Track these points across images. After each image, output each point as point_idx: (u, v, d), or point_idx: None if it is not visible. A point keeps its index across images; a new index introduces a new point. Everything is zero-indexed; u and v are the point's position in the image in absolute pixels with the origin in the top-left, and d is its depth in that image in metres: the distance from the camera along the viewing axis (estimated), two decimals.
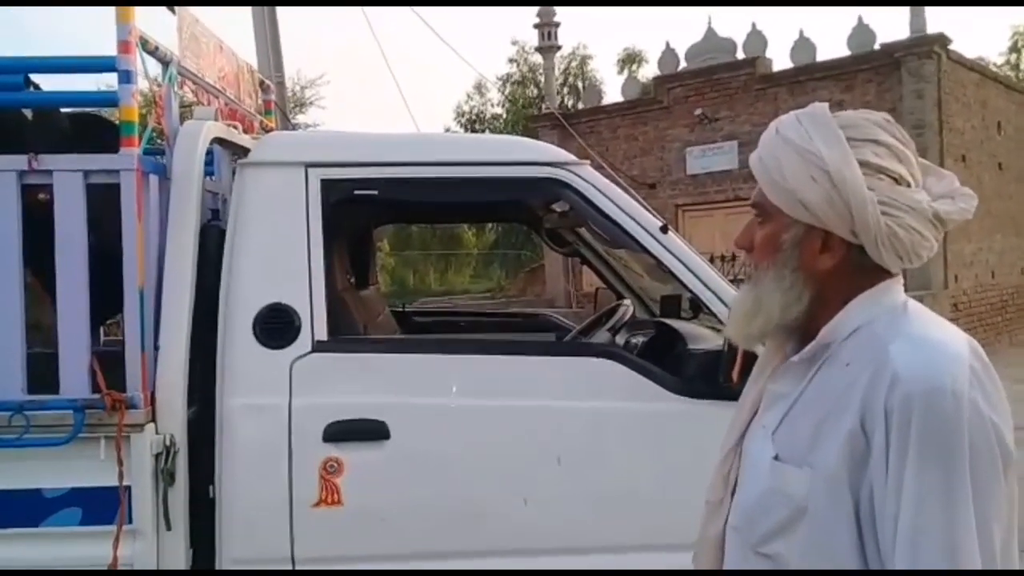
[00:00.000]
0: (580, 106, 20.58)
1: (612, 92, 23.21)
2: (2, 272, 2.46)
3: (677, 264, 2.70)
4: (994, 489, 1.10)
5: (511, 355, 2.73)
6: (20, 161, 2.45)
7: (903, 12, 13.61)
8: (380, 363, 2.66)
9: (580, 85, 29.81)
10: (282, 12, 8.22)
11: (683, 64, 15.89)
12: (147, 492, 2.44)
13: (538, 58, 22.95)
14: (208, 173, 3.03)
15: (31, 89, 2.96)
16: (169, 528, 2.46)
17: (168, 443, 2.46)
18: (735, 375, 2.33)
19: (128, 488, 2.42)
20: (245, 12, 8.15)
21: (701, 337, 2.72)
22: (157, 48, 2.75)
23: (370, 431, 2.52)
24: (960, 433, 1.09)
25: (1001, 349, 13.77)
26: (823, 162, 1.19)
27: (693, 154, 15.50)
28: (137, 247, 2.47)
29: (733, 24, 44.91)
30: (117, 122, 2.59)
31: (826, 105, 1.25)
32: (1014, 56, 31.75)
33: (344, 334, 2.78)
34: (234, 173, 2.77)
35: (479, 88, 31.60)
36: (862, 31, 14.08)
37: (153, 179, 2.57)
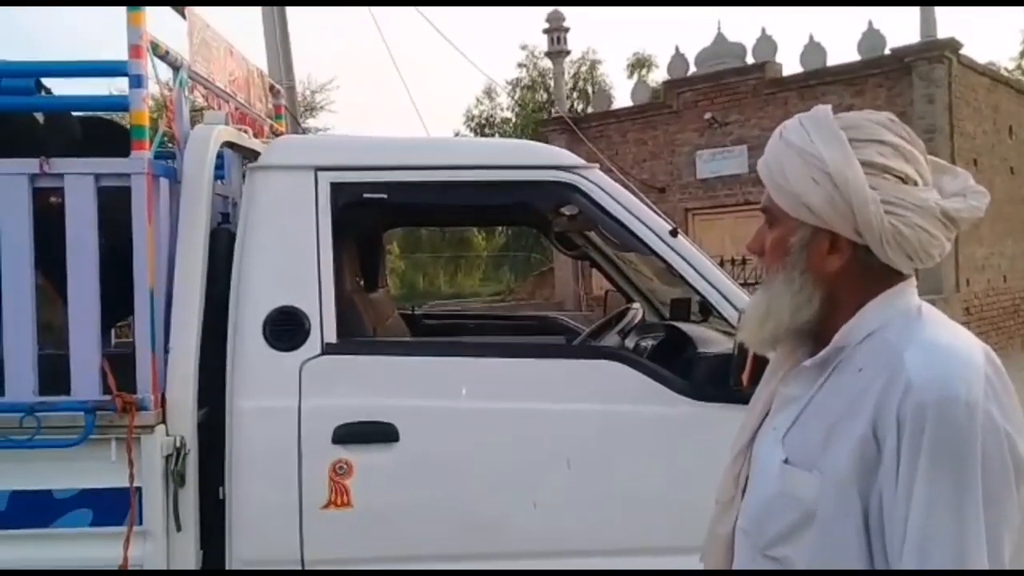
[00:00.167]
0: (590, 110, 20.58)
1: (622, 96, 23.20)
2: (14, 274, 2.48)
3: (687, 268, 2.70)
4: (1006, 500, 1.09)
5: (520, 358, 2.73)
6: (32, 164, 2.47)
7: (914, 17, 13.59)
8: (389, 366, 2.67)
9: (590, 89, 29.82)
10: (292, 16, 8.25)
11: (692, 69, 15.87)
12: (157, 493, 2.45)
13: (548, 63, 22.97)
14: (218, 177, 3.05)
15: (42, 93, 2.98)
16: (179, 529, 2.47)
17: (178, 445, 2.47)
18: (745, 379, 2.32)
19: (139, 489, 2.43)
20: (256, 17, 8.18)
21: (711, 341, 2.71)
22: (168, 52, 2.76)
23: (379, 433, 2.53)
24: (973, 443, 1.08)
25: (1013, 353, 13.68)
26: (824, 164, 1.19)
27: (703, 158, 15.48)
28: (148, 250, 2.49)
29: (743, 29, 44.84)
30: (128, 126, 2.61)
31: (829, 107, 1.24)
32: None
33: (354, 337, 2.78)
34: (244, 177, 2.78)
35: (489, 92, 31.65)
36: (872, 36, 14.03)
37: (164, 183, 2.58)
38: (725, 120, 15.12)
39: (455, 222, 6.54)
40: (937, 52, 13.17)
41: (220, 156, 2.96)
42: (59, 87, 3.15)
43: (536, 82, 31.22)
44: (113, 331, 3.96)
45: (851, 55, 14.20)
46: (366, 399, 2.56)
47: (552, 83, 21.66)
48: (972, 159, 13.99)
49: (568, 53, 19.74)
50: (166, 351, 2.53)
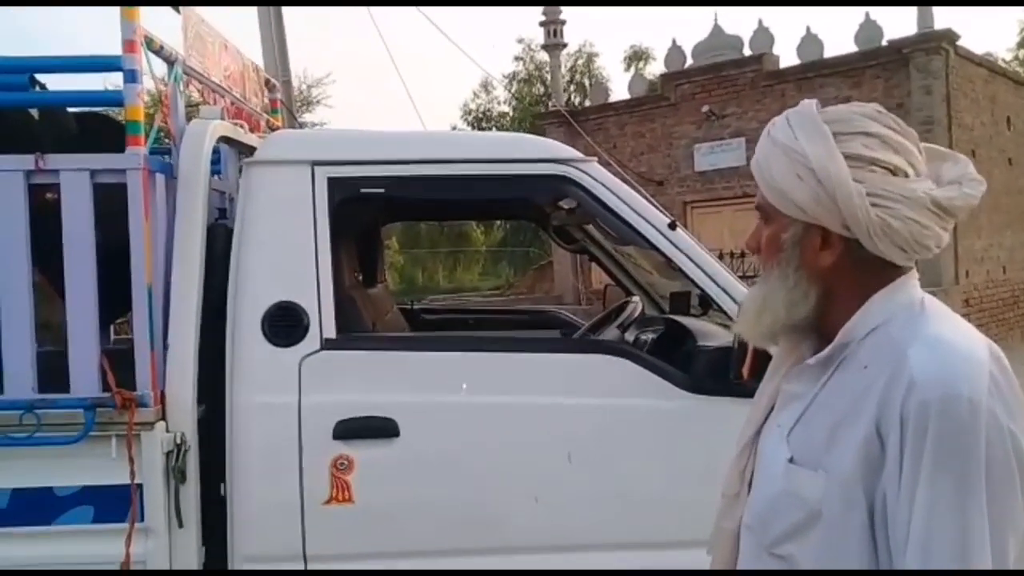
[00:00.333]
0: (587, 103, 20.55)
1: (619, 89, 23.09)
2: (11, 271, 2.47)
3: (686, 261, 2.69)
4: (1010, 499, 1.09)
5: (520, 352, 2.72)
6: (27, 161, 2.46)
7: (911, 9, 13.56)
8: (389, 361, 2.66)
9: (587, 83, 29.74)
10: (288, 11, 8.24)
11: (690, 61, 15.84)
12: (159, 490, 2.45)
13: (544, 56, 22.94)
14: (215, 172, 3.04)
15: (37, 89, 2.97)
16: (181, 526, 2.47)
17: (179, 441, 2.47)
18: (746, 372, 2.32)
19: (140, 486, 2.43)
20: (251, 12, 8.17)
21: (711, 334, 2.71)
22: (162, 47, 2.75)
23: (380, 428, 2.52)
24: (976, 442, 1.07)
25: (1014, 345, 13.68)
26: (807, 159, 1.19)
27: (701, 151, 15.46)
28: (145, 246, 2.48)
29: (739, 21, 44.80)
30: (123, 121, 2.59)
31: (814, 102, 1.24)
32: (1023, 52, 31.57)
33: (353, 332, 2.77)
34: (240, 172, 2.77)
35: (485, 86, 31.58)
36: (869, 27, 14.00)
37: (160, 178, 2.57)
38: (723, 113, 15.10)
39: (453, 216, 6.54)
40: (934, 43, 13.15)
41: (216, 151, 2.95)
42: (54, 83, 3.14)
43: (533, 75, 31.16)
44: (112, 328, 3.95)
45: (848, 47, 14.18)
46: (366, 394, 2.55)
47: (549, 76, 21.61)
48: (970, 150, 13.96)
49: (565, 46, 19.73)
50: (165, 347, 2.52)
